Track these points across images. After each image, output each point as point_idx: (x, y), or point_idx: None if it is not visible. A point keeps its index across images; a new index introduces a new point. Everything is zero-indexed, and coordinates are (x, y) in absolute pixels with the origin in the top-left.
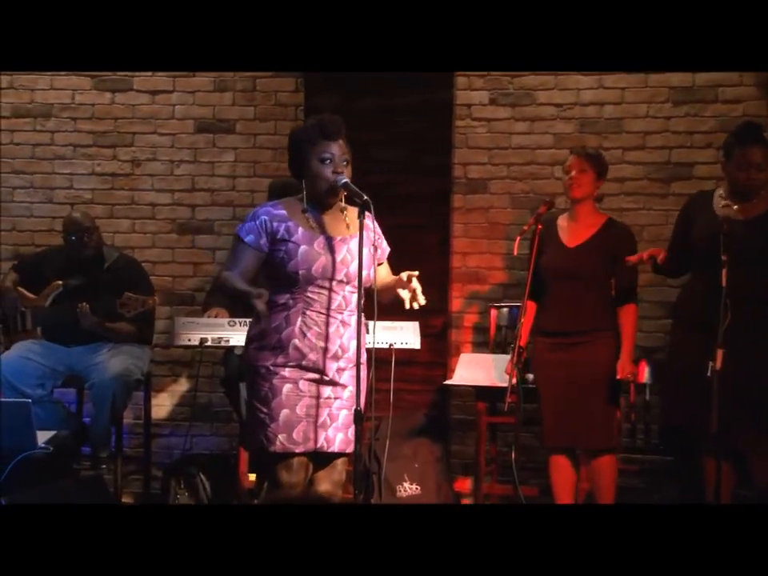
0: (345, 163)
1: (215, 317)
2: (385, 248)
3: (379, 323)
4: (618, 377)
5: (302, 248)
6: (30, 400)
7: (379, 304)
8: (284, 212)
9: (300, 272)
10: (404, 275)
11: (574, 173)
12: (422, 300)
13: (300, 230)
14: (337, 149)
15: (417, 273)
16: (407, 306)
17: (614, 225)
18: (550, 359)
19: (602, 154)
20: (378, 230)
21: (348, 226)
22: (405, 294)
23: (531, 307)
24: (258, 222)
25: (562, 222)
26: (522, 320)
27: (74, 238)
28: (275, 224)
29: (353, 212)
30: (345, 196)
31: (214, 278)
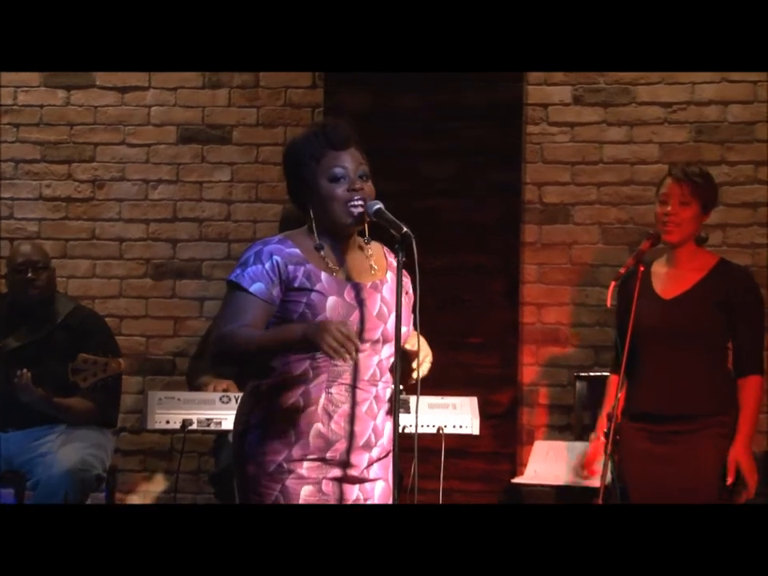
0: (364, 177)
1: (213, 390)
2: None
3: (424, 399)
4: (729, 480)
5: (331, 300)
6: None
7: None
8: (297, 250)
9: None
10: (407, 346)
11: (670, 206)
12: (417, 373)
13: (323, 275)
14: (349, 159)
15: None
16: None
17: (728, 268)
18: (644, 450)
19: (711, 176)
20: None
21: (372, 267)
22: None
23: (620, 380)
24: (267, 266)
25: (658, 266)
26: (619, 394)
27: (17, 276)
28: (290, 267)
29: (375, 247)
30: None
31: (202, 339)
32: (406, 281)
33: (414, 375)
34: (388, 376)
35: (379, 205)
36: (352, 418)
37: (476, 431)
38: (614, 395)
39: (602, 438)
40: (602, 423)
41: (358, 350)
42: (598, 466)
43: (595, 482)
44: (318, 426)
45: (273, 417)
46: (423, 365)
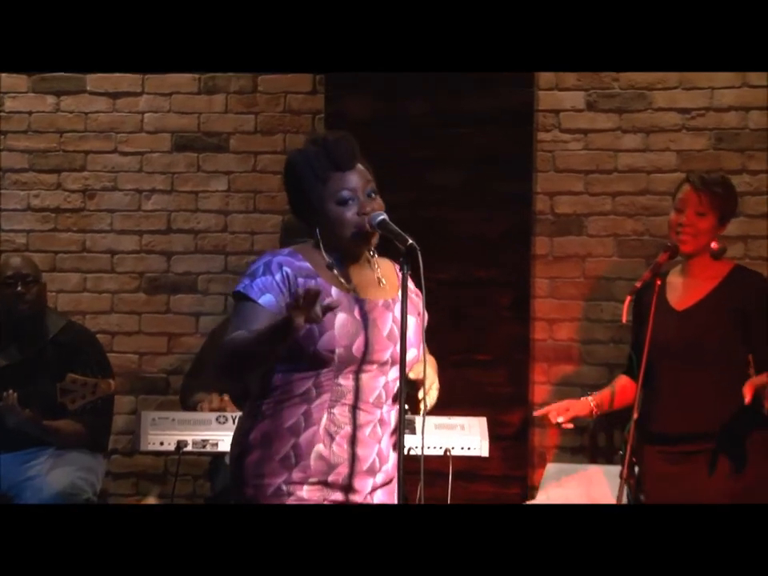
0: (372, 194)
1: (216, 407)
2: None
3: (430, 419)
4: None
5: (340, 316)
6: None
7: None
8: (308, 264)
9: (337, 350)
10: (412, 374)
11: (686, 216)
12: (425, 402)
13: (334, 290)
14: (356, 180)
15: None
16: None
17: (744, 275)
18: (662, 474)
19: (732, 186)
20: (417, 289)
21: (381, 283)
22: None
23: (636, 399)
24: (278, 277)
25: (673, 277)
26: (635, 416)
27: (6, 290)
28: (300, 280)
29: (385, 264)
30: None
31: (197, 356)
32: (419, 300)
33: (422, 405)
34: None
35: (383, 216)
36: (355, 441)
37: (485, 453)
38: (611, 392)
39: (590, 401)
40: (595, 398)
41: (329, 310)
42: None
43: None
44: (320, 447)
45: (272, 437)
46: (430, 392)
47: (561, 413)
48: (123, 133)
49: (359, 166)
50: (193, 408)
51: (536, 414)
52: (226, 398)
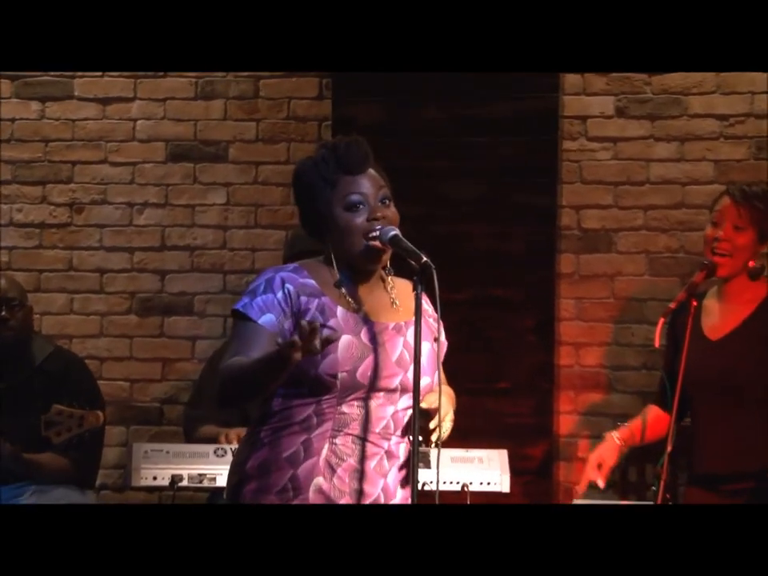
0: (385, 201)
1: (225, 440)
2: (442, 335)
3: (446, 452)
4: None
5: (345, 339)
6: None
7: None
8: (312, 281)
9: (339, 375)
10: (424, 404)
11: (723, 230)
12: (439, 434)
13: (339, 310)
14: (368, 184)
15: (434, 406)
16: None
17: None
18: None
19: None
20: (433, 312)
21: (394, 305)
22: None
23: (670, 431)
24: (279, 296)
25: (709, 301)
26: (668, 449)
27: None
28: (303, 299)
29: (401, 285)
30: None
31: (195, 383)
32: (436, 325)
33: (434, 437)
34: (404, 429)
35: (395, 231)
36: (359, 475)
37: (506, 489)
38: (641, 423)
39: (617, 441)
40: (623, 433)
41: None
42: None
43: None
44: (319, 480)
45: (270, 467)
46: (443, 424)
47: (595, 475)
48: (114, 141)
49: (371, 170)
50: (201, 442)
51: (576, 498)
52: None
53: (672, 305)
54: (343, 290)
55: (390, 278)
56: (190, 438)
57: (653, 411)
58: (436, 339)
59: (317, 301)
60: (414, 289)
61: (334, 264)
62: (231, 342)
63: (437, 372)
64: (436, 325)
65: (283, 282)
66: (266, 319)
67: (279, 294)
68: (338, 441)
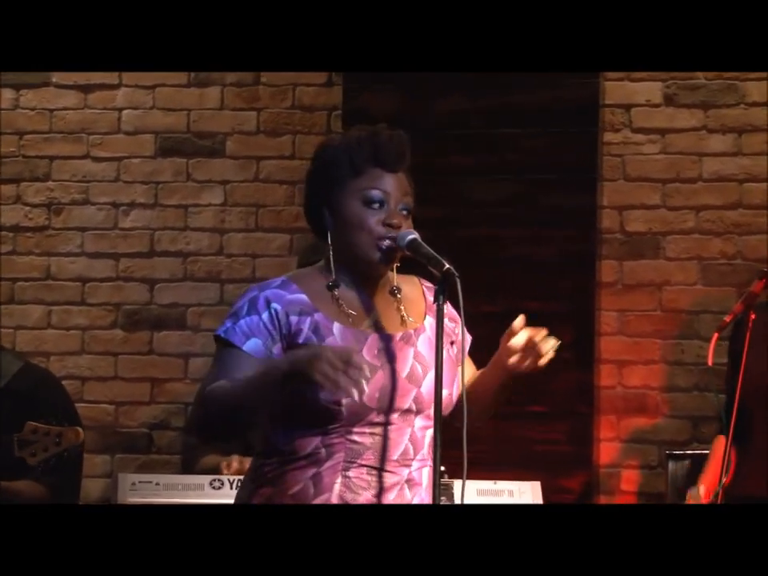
0: (405, 212)
1: (236, 471)
2: (466, 337)
3: (472, 484)
4: None
5: None
6: None
7: (475, 421)
8: (304, 296)
9: (344, 401)
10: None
11: None
12: (549, 347)
13: (336, 326)
14: (394, 185)
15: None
16: (541, 362)
17: None
18: None
19: None
20: (452, 311)
21: (401, 312)
22: (515, 359)
23: (725, 455)
24: (265, 317)
25: None
26: (724, 480)
27: None
28: (293, 318)
29: (407, 284)
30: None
31: (193, 408)
32: (454, 325)
33: (532, 363)
34: (425, 453)
35: (414, 235)
36: None
37: None
38: (720, 464)
39: (701, 495)
40: (708, 483)
41: (366, 380)
42: None
43: None
44: None
45: (275, 503)
46: (545, 344)
47: None
48: (97, 134)
49: (402, 173)
50: (203, 473)
51: None
52: (247, 462)
53: (727, 318)
54: (336, 294)
55: (399, 286)
56: (191, 468)
57: (721, 444)
58: (453, 342)
59: (308, 319)
60: (436, 299)
61: (332, 264)
62: (212, 368)
63: (456, 381)
64: (454, 325)
65: (268, 302)
66: (251, 345)
67: (265, 315)
68: (351, 473)
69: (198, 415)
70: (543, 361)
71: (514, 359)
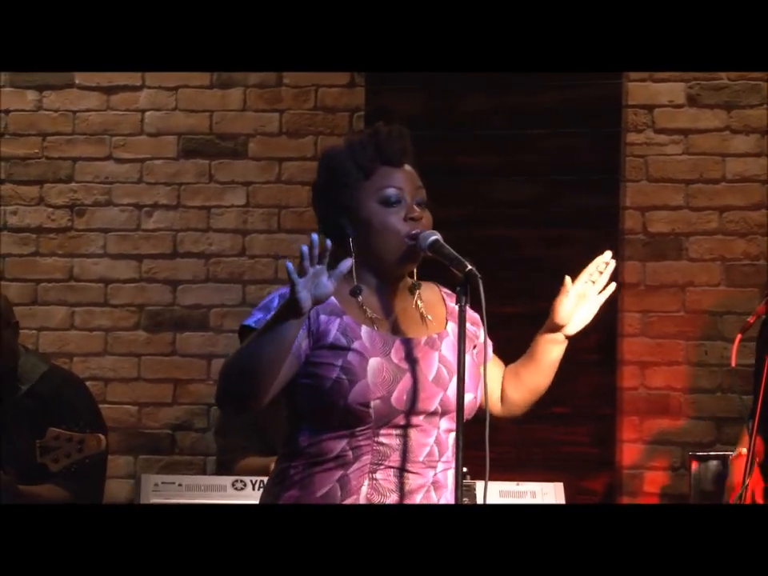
0: (422, 204)
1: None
2: (488, 341)
3: (494, 485)
4: None
5: (373, 362)
6: None
7: (523, 401)
8: (333, 298)
9: (372, 403)
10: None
11: None
12: (604, 277)
13: (363, 329)
14: (405, 180)
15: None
16: (601, 297)
17: None
18: None
19: None
20: (473, 314)
21: (423, 316)
22: (568, 308)
23: (749, 457)
24: None
25: None
26: (747, 481)
27: None
28: (323, 318)
29: (427, 290)
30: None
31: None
32: (476, 329)
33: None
34: (449, 455)
35: (436, 236)
36: None
37: None
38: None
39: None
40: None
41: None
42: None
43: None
44: None
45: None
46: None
47: None
48: (119, 135)
49: (409, 167)
50: (242, 474)
51: None
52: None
53: (750, 319)
54: (360, 300)
55: (418, 289)
56: (229, 470)
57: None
58: (475, 346)
59: (338, 321)
60: (458, 301)
61: (353, 269)
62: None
63: (479, 385)
64: (475, 329)
65: None
66: None
67: None
68: (378, 475)
69: (220, 386)
70: (595, 307)
71: (567, 308)
